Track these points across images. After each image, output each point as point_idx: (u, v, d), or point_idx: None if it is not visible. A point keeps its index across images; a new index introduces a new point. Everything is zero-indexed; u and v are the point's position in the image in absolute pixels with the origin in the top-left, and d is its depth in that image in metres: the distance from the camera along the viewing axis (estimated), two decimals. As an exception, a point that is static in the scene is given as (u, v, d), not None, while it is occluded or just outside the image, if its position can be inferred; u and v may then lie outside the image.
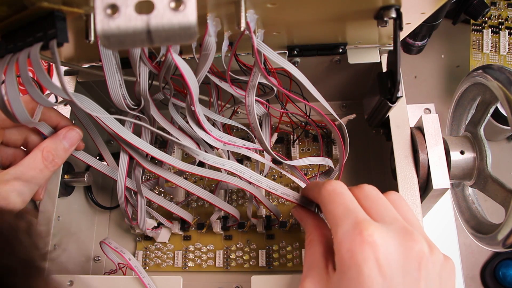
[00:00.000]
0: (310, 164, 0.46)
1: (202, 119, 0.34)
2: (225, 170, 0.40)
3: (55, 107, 0.37)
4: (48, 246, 0.37)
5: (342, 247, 0.25)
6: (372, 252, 0.24)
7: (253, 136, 0.42)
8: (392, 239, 0.25)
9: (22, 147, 0.37)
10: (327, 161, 0.39)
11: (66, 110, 0.41)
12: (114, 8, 0.19)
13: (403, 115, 0.38)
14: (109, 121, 0.34)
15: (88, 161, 0.38)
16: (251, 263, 0.43)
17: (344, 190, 0.28)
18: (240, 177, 0.37)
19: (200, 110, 0.34)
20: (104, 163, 0.40)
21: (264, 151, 0.39)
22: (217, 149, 0.38)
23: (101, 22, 0.19)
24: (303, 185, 0.37)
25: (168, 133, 0.36)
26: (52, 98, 0.41)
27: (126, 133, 0.35)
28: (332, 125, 0.35)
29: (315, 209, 0.34)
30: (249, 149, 0.37)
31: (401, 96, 0.32)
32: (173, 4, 0.19)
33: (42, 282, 0.20)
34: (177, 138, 0.36)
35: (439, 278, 0.26)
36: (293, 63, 0.40)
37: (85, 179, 0.41)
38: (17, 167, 0.32)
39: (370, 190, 0.28)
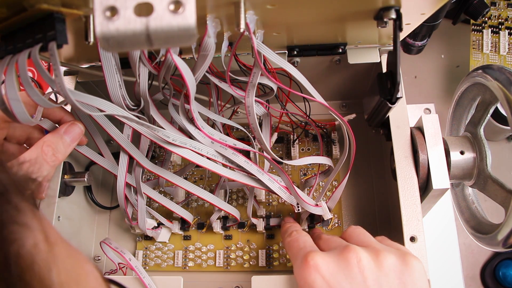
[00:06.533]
0: (310, 164, 0.46)
1: (196, 116, 0.35)
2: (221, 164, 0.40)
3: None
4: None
5: (298, 279, 0.30)
6: (317, 273, 0.28)
7: (251, 137, 0.42)
8: (332, 257, 0.29)
9: (25, 145, 0.37)
10: (326, 160, 0.39)
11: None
12: (113, 11, 0.19)
13: (403, 115, 0.38)
14: (106, 124, 0.34)
15: (90, 156, 0.38)
16: (251, 263, 0.43)
17: (298, 236, 0.33)
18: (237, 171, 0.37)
19: (195, 107, 0.34)
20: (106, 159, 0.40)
21: (264, 152, 0.39)
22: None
23: (101, 25, 0.19)
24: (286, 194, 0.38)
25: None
26: (53, 97, 0.41)
27: (120, 137, 0.35)
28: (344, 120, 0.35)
29: None
30: (238, 149, 0.37)
31: (401, 97, 0.32)
32: (172, 6, 0.19)
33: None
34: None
35: (396, 279, 0.28)
36: (293, 63, 0.40)
37: (85, 179, 0.41)
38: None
39: (328, 236, 0.34)
